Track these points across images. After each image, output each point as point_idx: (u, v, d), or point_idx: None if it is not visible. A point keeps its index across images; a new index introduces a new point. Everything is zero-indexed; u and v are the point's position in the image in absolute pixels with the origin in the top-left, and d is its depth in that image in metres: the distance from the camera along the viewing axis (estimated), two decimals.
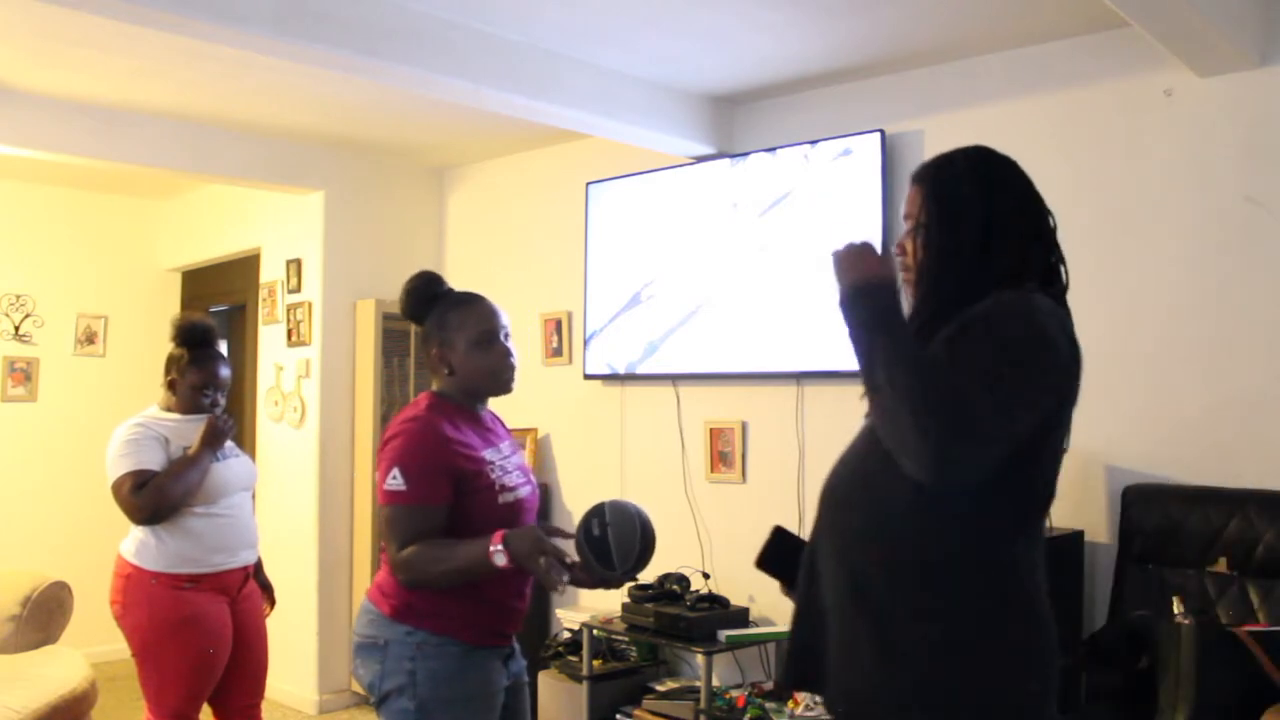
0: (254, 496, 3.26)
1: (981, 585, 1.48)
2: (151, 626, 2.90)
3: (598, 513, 2.10)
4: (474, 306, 2.21)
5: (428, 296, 2.23)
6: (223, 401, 3.12)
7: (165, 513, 2.87)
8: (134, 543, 2.96)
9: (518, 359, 2.23)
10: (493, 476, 2.12)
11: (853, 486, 1.58)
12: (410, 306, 2.25)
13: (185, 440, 2.97)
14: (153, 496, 2.84)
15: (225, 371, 3.15)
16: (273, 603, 3.32)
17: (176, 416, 3.06)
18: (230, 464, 3.07)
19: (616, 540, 2.06)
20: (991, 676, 1.47)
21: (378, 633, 2.09)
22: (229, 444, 3.10)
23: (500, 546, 1.96)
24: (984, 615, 1.47)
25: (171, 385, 3.10)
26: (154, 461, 2.91)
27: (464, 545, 2.02)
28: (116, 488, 2.90)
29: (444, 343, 2.18)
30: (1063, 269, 1.62)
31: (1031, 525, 1.54)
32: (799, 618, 1.64)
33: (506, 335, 2.22)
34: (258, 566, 3.25)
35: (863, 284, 1.48)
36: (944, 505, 1.44)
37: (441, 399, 2.18)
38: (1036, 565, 1.54)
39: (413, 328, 5.03)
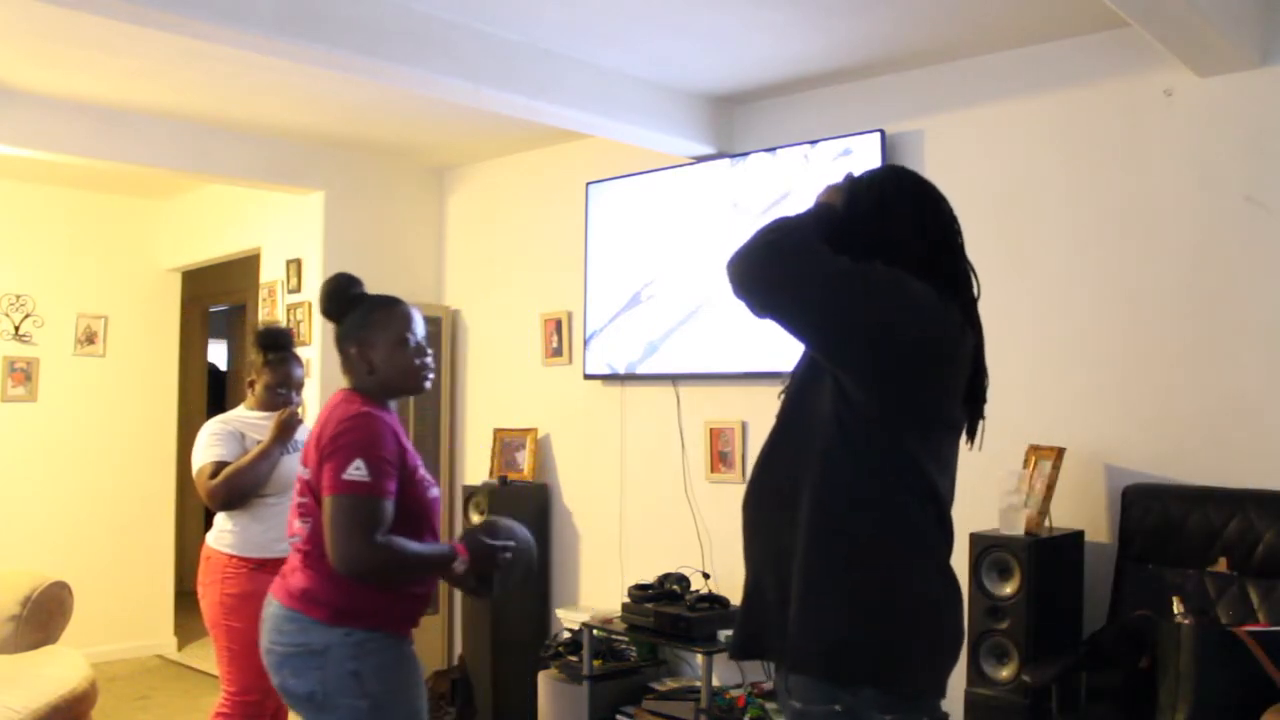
0: None
1: (877, 542, 1.69)
2: (219, 602, 3.13)
3: (509, 536, 2.26)
4: (396, 309, 2.25)
5: (348, 297, 2.25)
6: (296, 399, 3.36)
7: (236, 500, 3.11)
8: (215, 530, 3.22)
9: (432, 363, 2.29)
10: (421, 472, 2.20)
11: (767, 459, 1.84)
12: (331, 305, 2.26)
13: (262, 434, 3.20)
14: (223, 485, 3.09)
15: (298, 371, 3.39)
16: None
17: (257, 413, 3.29)
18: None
19: (507, 572, 2.25)
20: (900, 627, 1.68)
21: (313, 639, 2.09)
22: (302, 437, 3.31)
23: (465, 556, 2.17)
24: (880, 570, 1.68)
25: (251, 385, 3.36)
26: (229, 454, 3.15)
27: (431, 550, 2.18)
28: (198, 476, 3.17)
29: (365, 341, 2.21)
30: (973, 278, 1.83)
31: (919, 494, 1.72)
32: (743, 597, 1.87)
33: (426, 338, 2.28)
34: None
35: (824, 202, 1.86)
36: (836, 470, 1.69)
37: (366, 395, 2.20)
38: (925, 531, 1.74)
39: None
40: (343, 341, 2.24)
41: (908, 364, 1.68)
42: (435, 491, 2.25)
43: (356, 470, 2.03)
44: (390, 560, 2.05)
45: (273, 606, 2.18)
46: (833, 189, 1.86)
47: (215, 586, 3.14)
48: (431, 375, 2.28)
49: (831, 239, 1.77)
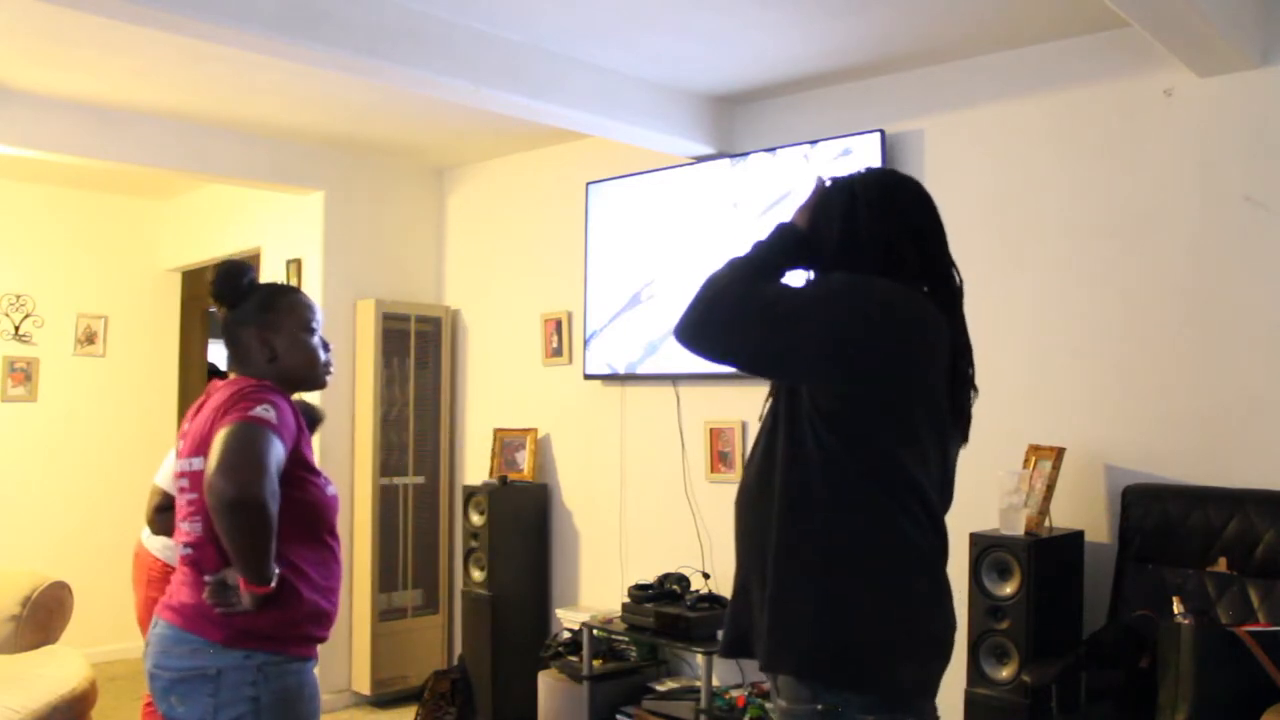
0: None
1: (850, 544, 1.66)
2: (144, 602, 3.10)
3: None
4: (299, 296, 2.15)
5: (244, 282, 2.12)
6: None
7: None
8: (147, 531, 3.15)
9: (334, 358, 2.19)
10: (318, 466, 2.08)
11: (753, 460, 1.84)
12: (226, 288, 2.10)
13: None
14: None
15: None
16: None
17: None
18: None
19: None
20: (872, 628, 1.64)
21: (207, 663, 1.91)
22: None
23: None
24: (854, 572, 1.66)
25: None
26: None
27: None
28: None
29: (269, 325, 2.07)
30: (954, 271, 1.80)
31: (898, 494, 1.68)
32: (732, 596, 1.86)
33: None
34: None
35: (790, 223, 1.84)
36: (809, 472, 1.67)
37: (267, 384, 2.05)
38: (904, 531, 1.68)
39: (413, 325, 5.04)
40: (239, 327, 2.08)
41: (877, 369, 1.66)
42: (333, 489, 2.10)
43: (266, 410, 1.87)
44: (266, 509, 1.82)
45: (159, 627, 1.99)
46: (803, 209, 1.84)
47: (141, 587, 3.13)
48: (333, 371, 2.17)
49: (799, 257, 1.78)
